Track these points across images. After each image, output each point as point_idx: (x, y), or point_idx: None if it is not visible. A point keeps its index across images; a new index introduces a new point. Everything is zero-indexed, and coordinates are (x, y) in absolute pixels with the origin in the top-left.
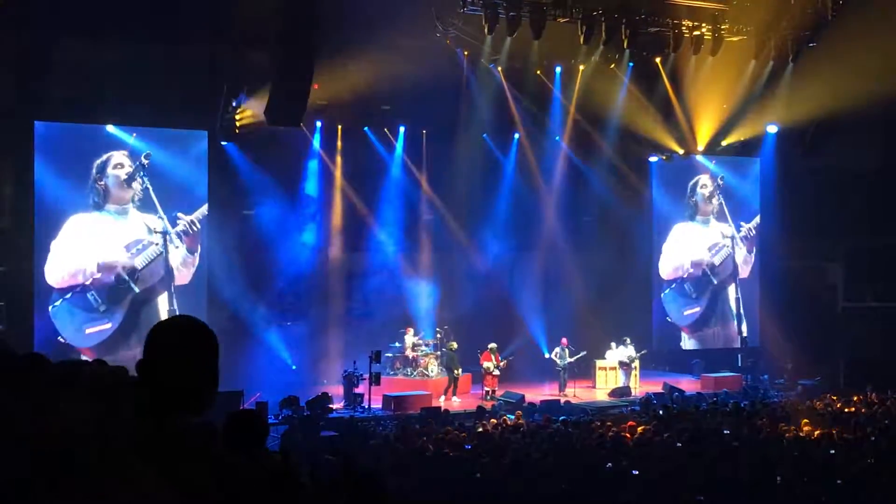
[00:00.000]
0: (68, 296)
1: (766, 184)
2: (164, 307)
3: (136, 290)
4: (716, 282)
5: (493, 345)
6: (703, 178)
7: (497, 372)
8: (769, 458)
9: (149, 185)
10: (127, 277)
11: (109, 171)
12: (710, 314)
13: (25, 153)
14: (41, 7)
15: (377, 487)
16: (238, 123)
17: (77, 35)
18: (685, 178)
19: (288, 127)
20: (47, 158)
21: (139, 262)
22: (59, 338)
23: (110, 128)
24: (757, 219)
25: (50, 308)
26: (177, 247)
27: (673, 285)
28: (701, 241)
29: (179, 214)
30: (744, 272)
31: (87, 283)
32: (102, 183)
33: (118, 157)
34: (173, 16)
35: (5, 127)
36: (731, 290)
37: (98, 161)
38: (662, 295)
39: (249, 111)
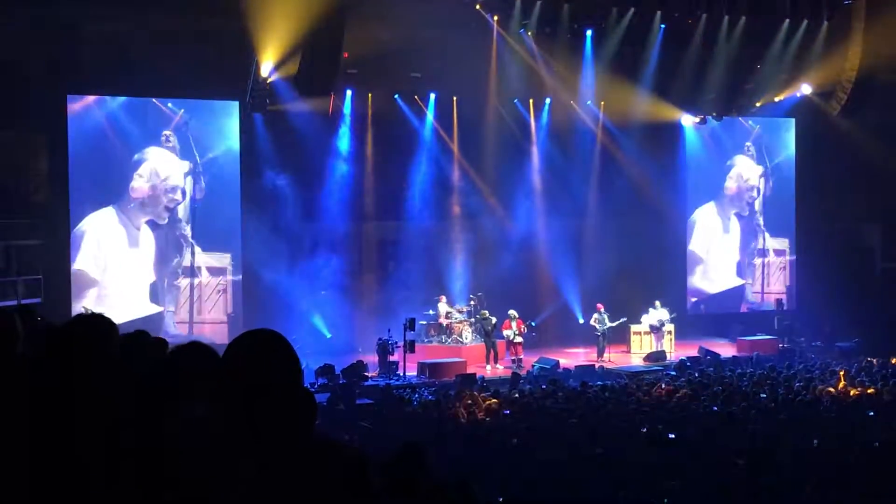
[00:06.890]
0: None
1: (801, 144)
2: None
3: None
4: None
5: (512, 311)
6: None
7: (518, 339)
8: (806, 421)
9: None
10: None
11: (167, 133)
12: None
13: (60, 127)
14: None
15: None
16: (268, 93)
17: (107, 7)
18: (718, 140)
19: (318, 96)
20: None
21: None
22: None
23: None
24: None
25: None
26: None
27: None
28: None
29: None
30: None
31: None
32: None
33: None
34: None
35: (39, 101)
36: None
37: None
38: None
39: (280, 80)
